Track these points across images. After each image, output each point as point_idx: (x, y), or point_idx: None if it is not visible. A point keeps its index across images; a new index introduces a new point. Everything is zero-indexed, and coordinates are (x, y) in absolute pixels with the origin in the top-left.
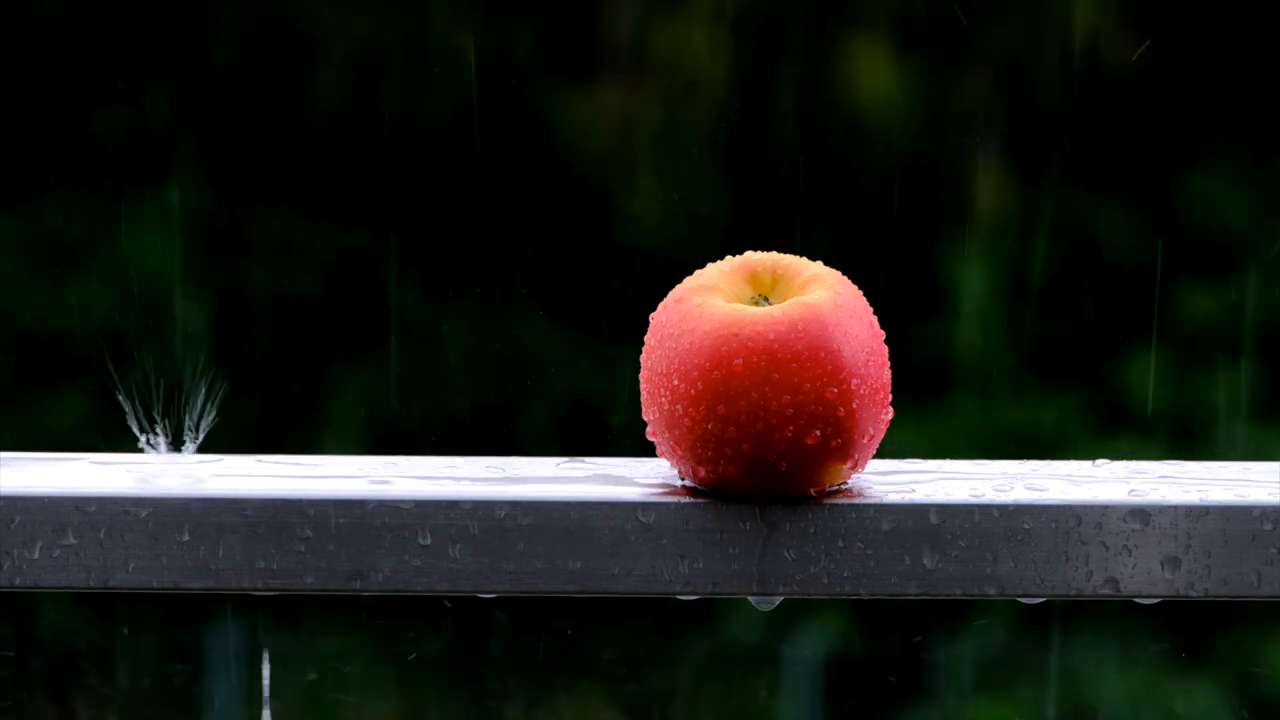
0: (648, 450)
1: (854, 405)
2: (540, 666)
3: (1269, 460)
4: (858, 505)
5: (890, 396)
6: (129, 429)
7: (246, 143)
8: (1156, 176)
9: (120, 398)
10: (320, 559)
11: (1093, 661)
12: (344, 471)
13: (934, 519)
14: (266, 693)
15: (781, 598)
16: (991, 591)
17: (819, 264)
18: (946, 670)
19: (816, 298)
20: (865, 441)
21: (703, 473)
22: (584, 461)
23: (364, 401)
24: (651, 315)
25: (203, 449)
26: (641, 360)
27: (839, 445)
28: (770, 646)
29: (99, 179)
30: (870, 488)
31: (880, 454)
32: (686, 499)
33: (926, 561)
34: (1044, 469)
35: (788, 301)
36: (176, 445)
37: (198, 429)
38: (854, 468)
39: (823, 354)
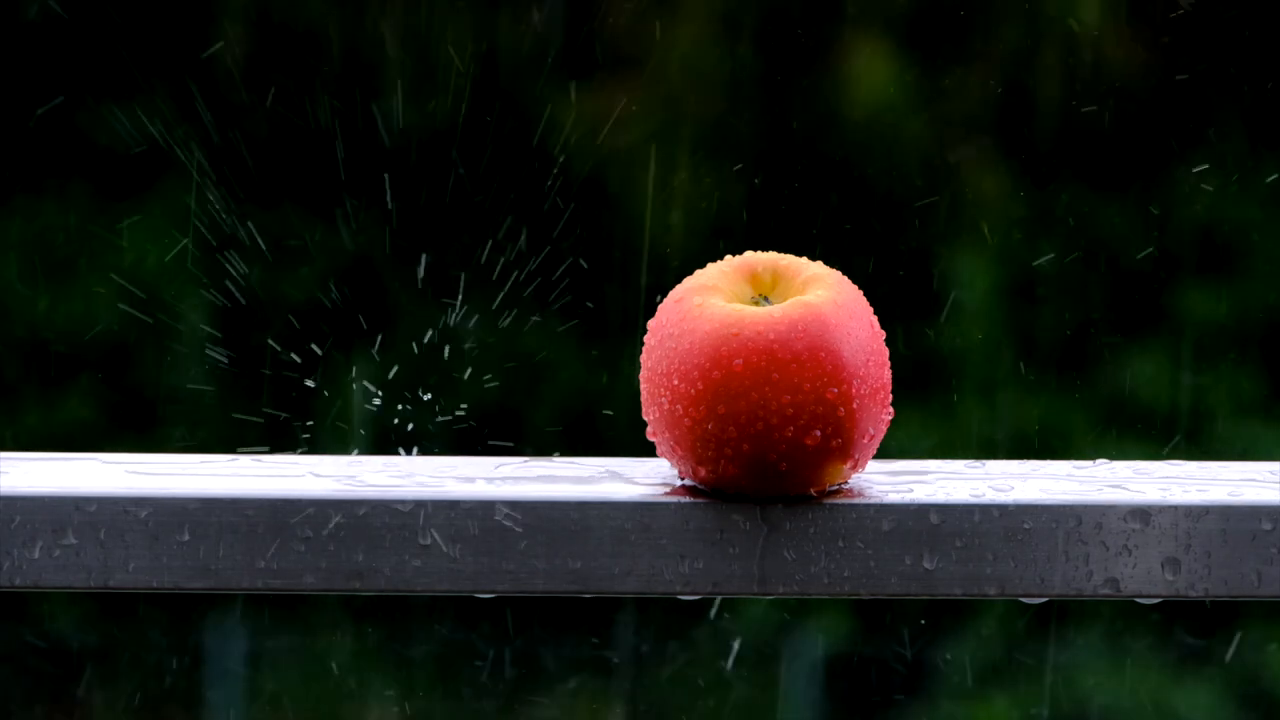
0: (648, 450)
1: (854, 405)
2: (540, 666)
3: (1269, 460)
4: (858, 505)
5: (890, 396)
6: (130, 429)
7: (248, 143)
8: (1157, 174)
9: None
10: (320, 559)
11: (1093, 661)
12: (344, 471)
13: (934, 519)
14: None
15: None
16: (991, 591)
17: (819, 264)
18: (946, 670)
19: (816, 298)
20: (865, 441)
21: (703, 473)
22: (584, 461)
23: (364, 401)
24: (651, 316)
25: (203, 449)
26: (641, 360)
27: (839, 445)
28: (770, 646)
29: (100, 179)
30: (870, 488)
31: (880, 454)
32: (686, 499)
33: (926, 562)
34: (1044, 469)
35: (788, 301)
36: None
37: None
38: (854, 468)
39: (823, 354)
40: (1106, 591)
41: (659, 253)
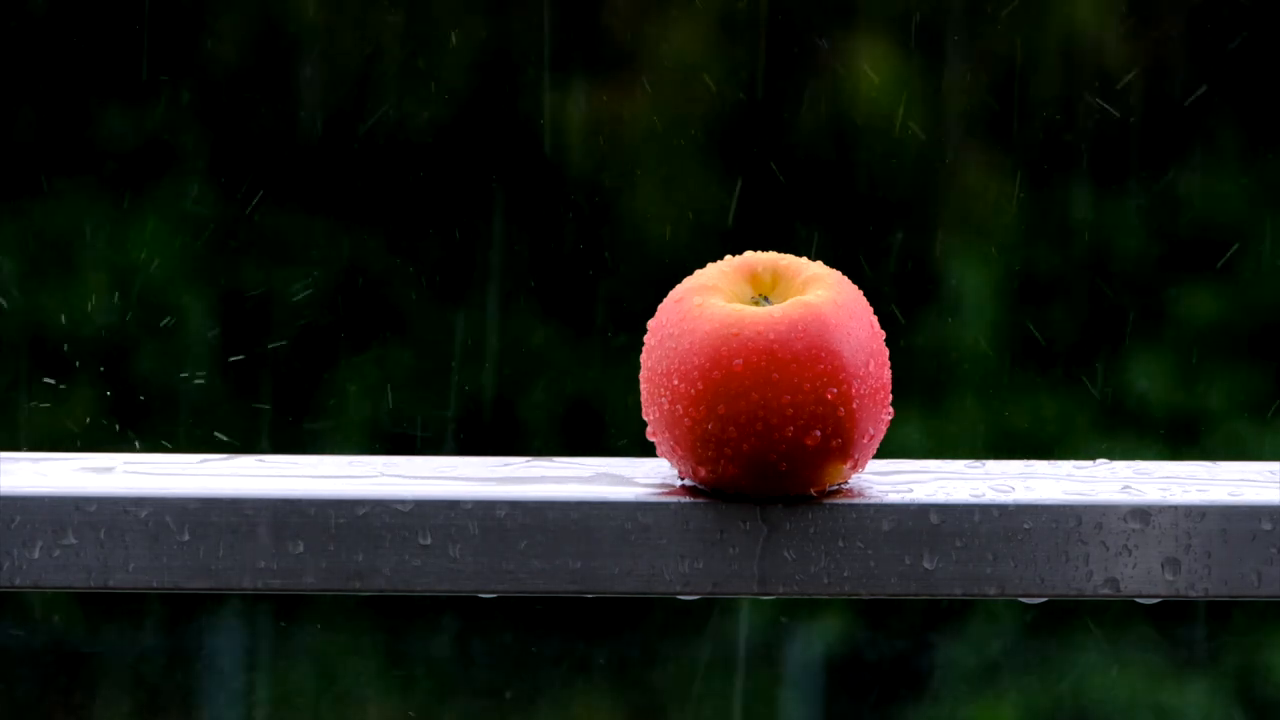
0: (648, 450)
1: (854, 405)
2: (540, 666)
3: (1268, 460)
4: (858, 505)
5: (890, 396)
6: (130, 429)
7: (247, 143)
8: (1157, 174)
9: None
10: (320, 559)
11: (1093, 661)
12: (344, 471)
13: (934, 519)
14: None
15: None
16: (991, 591)
17: (819, 264)
18: (946, 670)
19: (816, 298)
20: (865, 442)
21: (703, 473)
22: (584, 461)
23: (364, 401)
24: (651, 316)
25: (203, 449)
26: (641, 360)
27: (839, 445)
28: (770, 646)
29: (100, 179)
30: (870, 488)
31: (880, 454)
32: (686, 499)
33: (926, 562)
34: (1044, 469)
35: (788, 301)
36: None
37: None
38: (854, 468)
39: (823, 354)
40: (1106, 591)
41: (659, 252)
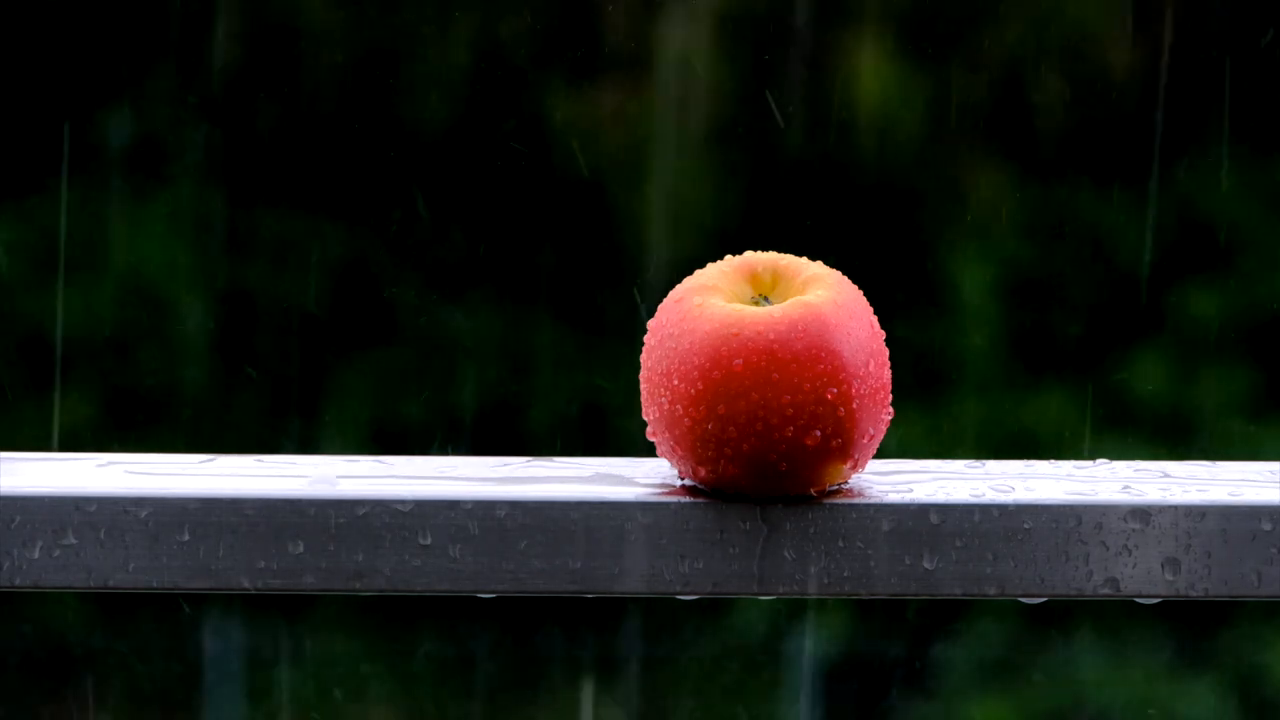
0: (648, 450)
1: (854, 405)
2: (539, 667)
3: (1268, 460)
4: (858, 505)
5: (890, 396)
6: (130, 429)
7: (248, 142)
8: (1157, 173)
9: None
10: (320, 559)
11: (1093, 661)
12: (344, 471)
13: (934, 519)
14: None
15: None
16: (991, 591)
17: (819, 264)
18: (946, 670)
19: (816, 298)
20: (865, 442)
21: (703, 473)
22: (584, 461)
23: (364, 401)
24: (651, 316)
25: (203, 449)
26: (641, 360)
27: (839, 445)
28: (770, 646)
29: (100, 179)
30: (870, 488)
31: (880, 454)
32: (686, 499)
33: (926, 561)
34: (1044, 469)
35: (788, 301)
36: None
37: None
38: (854, 468)
39: (823, 354)
40: (1106, 591)
41: (659, 252)
